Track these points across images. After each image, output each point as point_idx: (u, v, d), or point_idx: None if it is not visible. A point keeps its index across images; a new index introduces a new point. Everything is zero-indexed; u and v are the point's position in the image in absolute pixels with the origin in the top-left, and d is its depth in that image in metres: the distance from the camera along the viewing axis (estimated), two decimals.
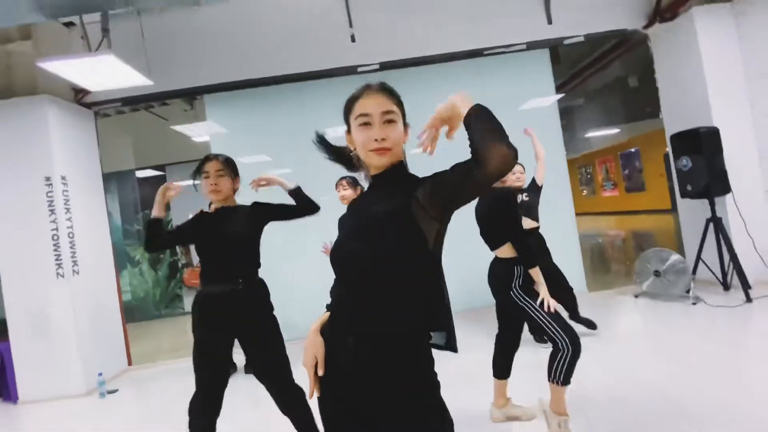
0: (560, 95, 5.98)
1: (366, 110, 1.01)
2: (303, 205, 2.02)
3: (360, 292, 0.96)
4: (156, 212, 1.92)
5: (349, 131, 1.08)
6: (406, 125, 1.08)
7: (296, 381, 1.90)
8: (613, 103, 9.56)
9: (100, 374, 3.72)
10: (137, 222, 7.60)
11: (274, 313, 1.95)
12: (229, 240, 1.85)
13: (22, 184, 3.78)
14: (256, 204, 1.99)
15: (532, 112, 4.97)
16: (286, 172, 4.86)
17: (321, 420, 1.04)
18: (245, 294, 1.84)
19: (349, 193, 2.77)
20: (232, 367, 3.61)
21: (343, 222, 1.14)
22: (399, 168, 1.06)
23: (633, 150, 14.12)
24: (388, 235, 0.95)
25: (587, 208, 17.67)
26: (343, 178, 2.89)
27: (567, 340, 1.92)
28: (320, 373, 0.99)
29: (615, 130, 12.72)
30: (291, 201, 2.08)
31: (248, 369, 3.74)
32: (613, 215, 15.19)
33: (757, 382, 2.34)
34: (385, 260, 0.94)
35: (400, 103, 1.07)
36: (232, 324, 1.84)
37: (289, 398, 1.86)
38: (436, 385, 0.98)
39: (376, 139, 1.00)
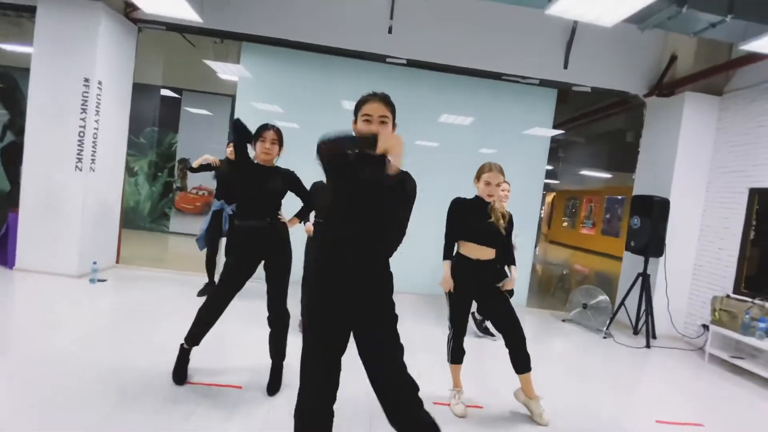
0: (557, 132, 6.50)
1: (369, 112, 1.53)
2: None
3: (369, 229, 1.52)
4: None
5: (355, 122, 1.59)
6: (394, 124, 1.59)
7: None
8: (610, 150, 10.17)
9: (95, 263, 4.21)
10: (143, 135, 7.94)
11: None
12: (267, 192, 2.41)
13: (63, 80, 4.15)
14: (295, 178, 2.55)
15: (528, 139, 5.50)
16: (294, 127, 5.30)
17: (308, 317, 1.57)
18: (272, 230, 2.42)
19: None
20: (213, 286, 4.17)
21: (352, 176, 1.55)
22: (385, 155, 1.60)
23: (620, 198, 14.88)
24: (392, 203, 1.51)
25: (564, 239, 18.52)
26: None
27: (450, 329, 2.50)
28: None
29: (607, 175, 13.40)
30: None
31: None
32: (585, 252, 16.03)
33: (622, 404, 3.03)
34: (389, 214, 1.53)
35: (392, 110, 1.57)
36: (262, 250, 2.41)
37: (282, 316, 2.45)
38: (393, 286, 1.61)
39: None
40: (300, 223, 2.77)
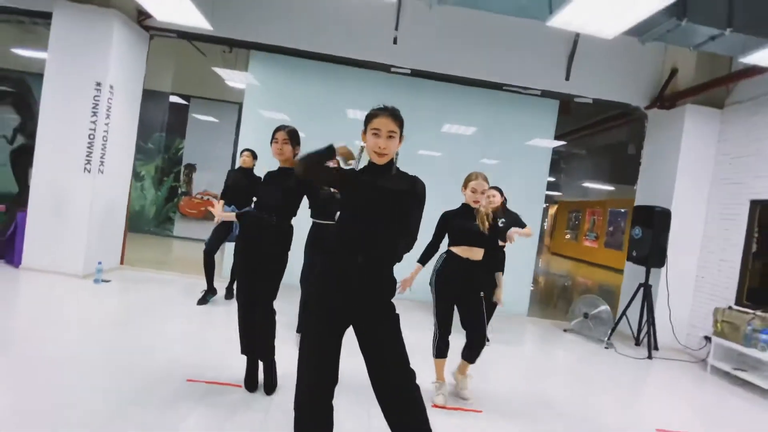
0: (558, 143, 6.55)
1: (378, 126, 1.61)
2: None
3: (375, 230, 1.58)
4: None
5: (364, 132, 1.66)
6: (401, 137, 1.67)
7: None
8: (612, 162, 10.20)
9: (100, 263, 4.26)
10: (152, 141, 8.06)
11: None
12: (277, 190, 2.45)
13: (75, 84, 4.25)
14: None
15: (531, 150, 5.55)
16: (302, 137, 5.37)
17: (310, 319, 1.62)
18: (275, 227, 2.44)
19: None
20: (211, 293, 4.15)
21: (363, 182, 1.65)
22: (390, 164, 1.69)
23: (622, 210, 14.86)
24: (397, 205, 1.61)
25: (567, 251, 18.45)
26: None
27: (436, 326, 2.64)
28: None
29: (610, 187, 13.41)
30: None
31: (228, 296, 4.30)
32: (588, 264, 15.96)
33: (623, 414, 3.01)
34: (395, 216, 1.61)
35: (401, 125, 1.65)
36: (262, 244, 2.42)
37: (270, 314, 2.45)
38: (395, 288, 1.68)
39: (380, 146, 1.60)
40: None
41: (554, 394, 3.08)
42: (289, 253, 2.51)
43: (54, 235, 4.29)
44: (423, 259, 2.69)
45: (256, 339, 2.46)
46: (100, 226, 4.51)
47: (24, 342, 2.80)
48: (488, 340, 3.99)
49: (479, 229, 2.60)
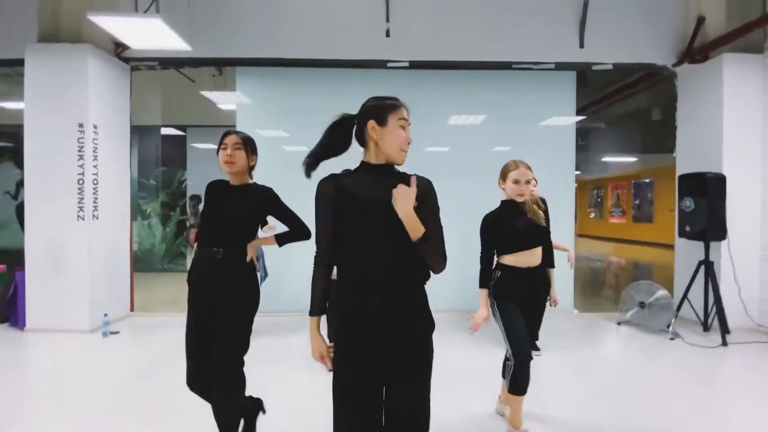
0: (580, 118, 6.04)
1: (405, 116, 1.34)
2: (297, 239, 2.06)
3: (386, 255, 1.24)
4: None
5: (380, 124, 1.29)
6: None
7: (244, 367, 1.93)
8: (633, 132, 9.57)
9: (106, 315, 3.97)
10: (153, 177, 7.85)
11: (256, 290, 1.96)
12: (226, 216, 1.92)
13: (56, 127, 3.99)
14: (269, 197, 1.99)
15: (550, 130, 5.07)
16: (303, 150, 5.01)
17: (341, 371, 1.27)
18: (223, 263, 1.88)
19: None
20: None
21: (356, 196, 1.29)
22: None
23: (647, 181, 14.10)
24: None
25: (593, 231, 17.71)
26: None
27: (511, 351, 2.09)
28: (328, 367, 1.32)
29: (632, 159, 12.69)
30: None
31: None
32: (617, 242, 15.22)
33: (710, 420, 2.51)
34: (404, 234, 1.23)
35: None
36: (210, 288, 1.89)
37: (221, 379, 1.85)
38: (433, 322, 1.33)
39: (408, 142, 1.33)
40: (278, 246, 2.06)
41: (637, 413, 2.58)
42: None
43: (55, 292, 4.02)
44: (485, 281, 2.17)
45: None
46: (102, 275, 4.22)
47: (31, 410, 2.48)
48: (539, 349, 3.54)
49: (536, 225, 2.16)
